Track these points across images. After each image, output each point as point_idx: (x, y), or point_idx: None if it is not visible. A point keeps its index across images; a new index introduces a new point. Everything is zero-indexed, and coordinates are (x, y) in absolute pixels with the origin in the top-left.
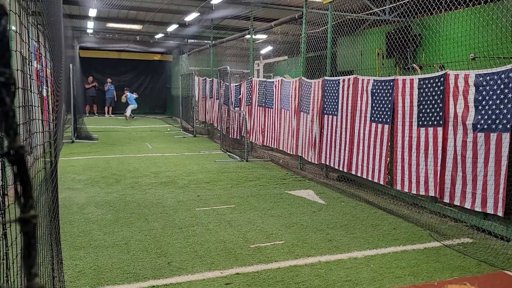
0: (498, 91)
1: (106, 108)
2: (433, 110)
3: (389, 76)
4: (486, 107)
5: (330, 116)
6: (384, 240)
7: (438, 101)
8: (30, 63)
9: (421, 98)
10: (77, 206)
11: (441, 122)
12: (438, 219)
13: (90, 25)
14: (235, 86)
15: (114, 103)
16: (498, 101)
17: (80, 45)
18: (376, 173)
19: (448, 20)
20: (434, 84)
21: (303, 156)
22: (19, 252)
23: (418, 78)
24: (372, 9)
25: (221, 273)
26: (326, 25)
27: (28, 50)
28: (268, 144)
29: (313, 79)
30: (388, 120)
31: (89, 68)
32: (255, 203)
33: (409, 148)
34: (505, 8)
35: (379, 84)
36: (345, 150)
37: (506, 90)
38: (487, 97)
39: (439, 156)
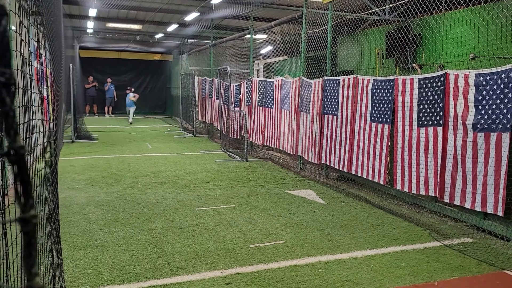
0: (498, 91)
1: (106, 108)
2: (433, 110)
3: (389, 76)
4: (486, 107)
5: (330, 116)
6: (384, 240)
7: (438, 100)
8: (30, 63)
9: (421, 98)
10: (77, 206)
11: (441, 122)
12: (438, 219)
13: (90, 25)
14: (235, 86)
15: (114, 103)
16: (498, 101)
17: (80, 45)
18: (376, 173)
19: (448, 20)
20: (434, 84)
21: (303, 156)
22: (19, 251)
23: (418, 78)
24: (372, 9)
25: (221, 273)
26: (326, 25)
27: (28, 50)
28: (268, 144)
29: (313, 79)
30: (388, 120)
31: (89, 68)
32: (255, 203)
33: (409, 148)
34: (505, 8)
35: (379, 84)
36: (345, 150)
37: (506, 90)
38: (487, 97)
39: (439, 156)
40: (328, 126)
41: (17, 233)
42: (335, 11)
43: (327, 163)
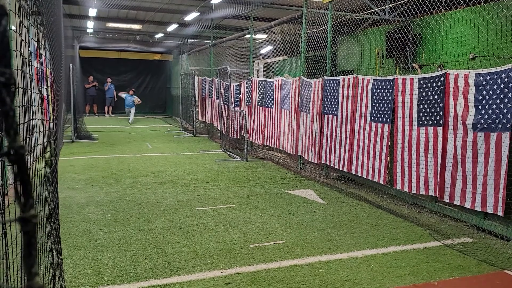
0: (498, 91)
1: (106, 108)
2: (433, 109)
3: (389, 75)
4: (486, 107)
5: (330, 116)
6: (384, 239)
7: (438, 100)
8: (30, 63)
9: (421, 98)
10: (77, 205)
11: (441, 121)
12: (438, 218)
13: (90, 24)
14: (235, 85)
15: (114, 103)
16: (498, 101)
17: (80, 45)
18: (376, 173)
19: (448, 20)
20: (434, 84)
21: (303, 156)
22: (19, 251)
23: (418, 78)
24: (372, 9)
25: (221, 272)
26: (326, 24)
27: (28, 50)
28: (268, 144)
29: (313, 78)
30: (388, 120)
31: (89, 68)
32: (255, 203)
33: (409, 148)
34: (505, 7)
35: (379, 83)
36: (345, 149)
37: (506, 90)
38: (487, 97)
39: (439, 156)
40: (328, 126)
41: (17, 232)
42: (335, 10)
43: (327, 163)
